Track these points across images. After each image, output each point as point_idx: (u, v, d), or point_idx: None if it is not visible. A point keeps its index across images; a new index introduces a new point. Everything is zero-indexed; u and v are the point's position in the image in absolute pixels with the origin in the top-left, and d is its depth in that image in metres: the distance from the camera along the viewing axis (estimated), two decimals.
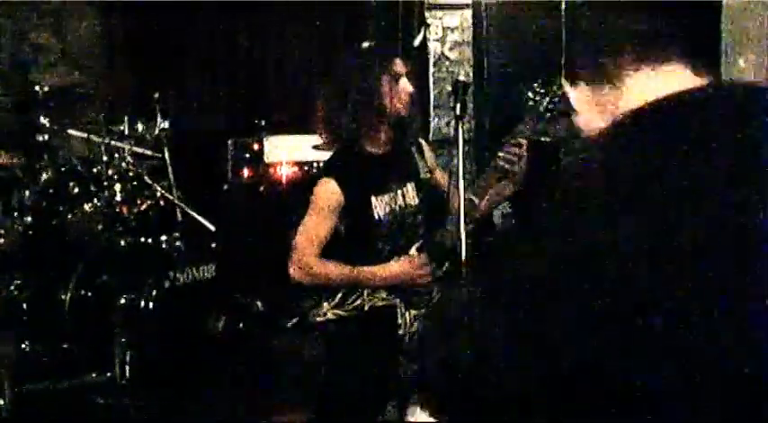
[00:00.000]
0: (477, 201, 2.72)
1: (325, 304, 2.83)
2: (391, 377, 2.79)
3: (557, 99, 2.68)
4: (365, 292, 2.82)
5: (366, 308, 2.82)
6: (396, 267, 2.81)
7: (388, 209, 2.84)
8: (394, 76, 2.81)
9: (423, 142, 3.04)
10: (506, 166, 2.69)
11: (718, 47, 1.22)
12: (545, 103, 2.68)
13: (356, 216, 2.82)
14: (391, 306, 2.83)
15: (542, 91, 2.70)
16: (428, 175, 2.95)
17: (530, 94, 2.70)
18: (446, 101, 5.38)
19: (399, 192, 2.88)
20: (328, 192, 2.79)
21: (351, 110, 2.78)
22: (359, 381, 2.79)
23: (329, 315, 2.83)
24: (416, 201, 2.90)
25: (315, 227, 2.81)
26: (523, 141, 2.70)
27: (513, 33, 5.60)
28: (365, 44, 2.98)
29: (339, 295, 2.82)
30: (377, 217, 2.82)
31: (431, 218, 2.88)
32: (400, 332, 2.82)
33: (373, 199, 2.82)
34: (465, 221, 2.58)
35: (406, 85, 2.83)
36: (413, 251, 2.85)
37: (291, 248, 2.83)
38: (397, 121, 2.84)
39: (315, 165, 4.85)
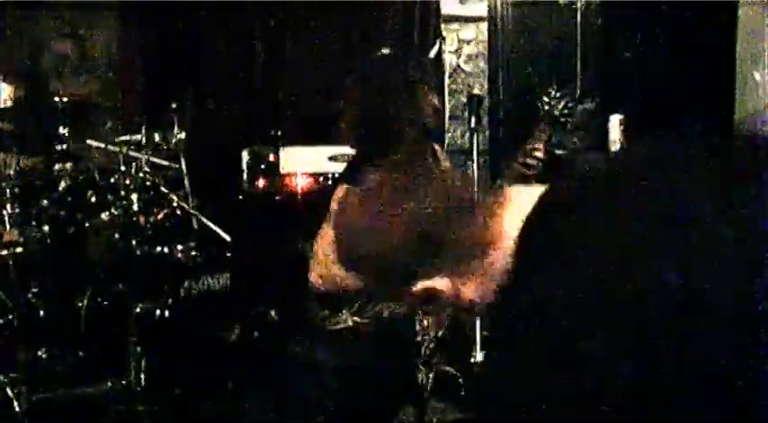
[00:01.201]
0: None
1: (345, 311, 2.85)
2: (408, 383, 2.81)
3: (571, 105, 2.72)
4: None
5: (385, 314, 2.84)
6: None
7: None
8: (427, 88, 2.85)
9: (437, 148, 3.06)
10: (526, 171, 2.72)
11: None
12: (560, 108, 2.71)
13: None
14: (410, 313, 2.85)
15: (557, 96, 2.74)
16: (442, 182, 2.95)
17: (544, 99, 2.74)
18: (461, 112, 5.40)
19: None
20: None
21: (381, 120, 2.80)
22: (377, 386, 2.81)
23: (348, 322, 2.85)
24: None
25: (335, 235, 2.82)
26: (540, 146, 2.73)
27: (529, 46, 5.62)
28: (385, 51, 3.00)
29: (358, 302, 2.84)
30: None
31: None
32: (418, 338, 2.85)
33: None
34: None
35: (435, 98, 2.87)
36: None
37: (312, 256, 2.86)
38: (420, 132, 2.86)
39: (330, 176, 4.87)
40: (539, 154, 2.73)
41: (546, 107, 2.75)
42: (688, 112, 4.64)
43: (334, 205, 2.86)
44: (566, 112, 2.72)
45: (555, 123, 2.73)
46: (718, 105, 4.42)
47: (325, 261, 2.84)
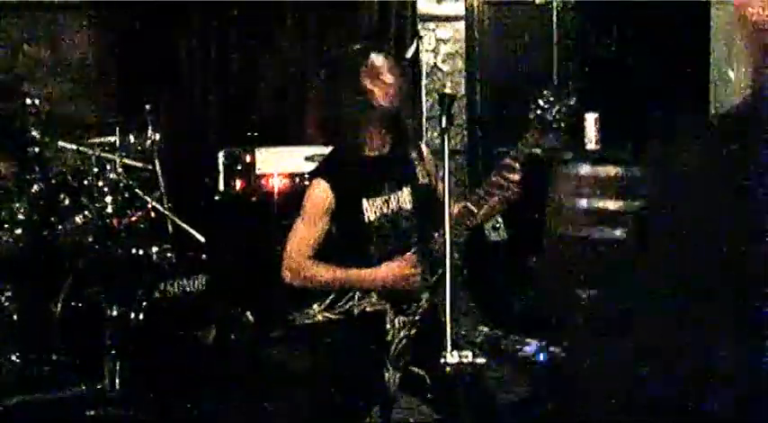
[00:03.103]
0: (474, 210, 2.73)
1: (315, 306, 2.84)
2: (377, 382, 2.80)
3: (565, 109, 2.65)
4: (356, 296, 2.83)
5: (355, 312, 2.83)
6: (387, 270, 2.81)
7: (379, 212, 2.84)
8: (373, 70, 2.83)
9: (423, 147, 3.05)
10: (498, 190, 2.70)
11: None
12: (553, 113, 2.65)
13: (347, 218, 2.83)
14: (381, 311, 2.84)
15: (551, 99, 2.66)
16: (426, 180, 2.95)
17: (540, 102, 2.65)
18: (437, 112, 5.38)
19: (393, 196, 2.88)
20: (319, 194, 2.82)
21: (342, 112, 2.81)
22: (345, 385, 2.80)
23: (318, 317, 2.83)
24: (411, 205, 2.90)
25: (306, 229, 2.83)
26: (517, 165, 2.69)
27: (506, 45, 5.63)
28: (355, 46, 2.98)
29: (329, 298, 2.83)
30: (367, 220, 2.83)
31: (425, 224, 2.88)
32: (388, 338, 2.83)
33: (364, 201, 2.83)
34: (456, 231, 2.61)
35: (387, 78, 2.84)
36: (407, 257, 2.86)
37: (284, 251, 2.85)
38: (390, 121, 2.86)
39: (306, 176, 4.85)
40: (510, 175, 2.70)
41: (538, 111, 2.70)
42: (664, 110, 4.66)
43: (307, 201, 2.87)
44: (558, 117, 2.66)
45: (547, 126, 2.67)
46: (693, 103, 4.44)
47: (296, 255, 2.84)
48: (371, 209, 2.84)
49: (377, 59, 2.83)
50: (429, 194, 2.95)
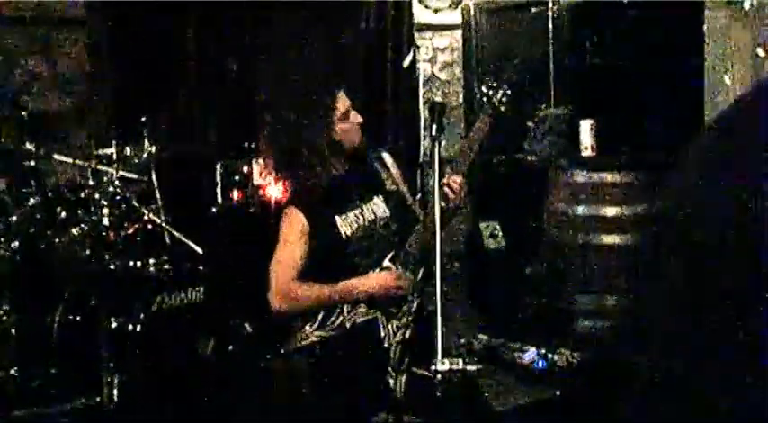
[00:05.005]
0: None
1: (307, 327, 2.86)
2: (381, 389, 2.81)
3: (510, 91, 2.78)
4: (345, 310, 2.85)
5: (348, 325, 2.85)
6: (373, 280, 2.85)
7: (355, 226, 2.90)
8: (343, 113, 2.90)
9: (385, 155, 3.10)
10: (447, 194, 2.77)
11: None
12: (499, 96, 2.78)
13: (324, 239, 2.88)
14: (372, 320, 2.86)
15: (494, 84, 2.80)
16: (394, 187, 3.00)
17: (483, 89, 2.81)
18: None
19: (366, 206, 2.95)
20: (293, 221, 2.90)
21: (307, 151, 2.87)
22: (351, 398, 2.81)
23: (312, 338, 2.85)
24: (387, 212, 2.95)
25: (288, 255, 2.88)
26: (458, 179, 2.76)
27: (503, 53, 5.63)
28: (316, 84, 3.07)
29: (320, 317, 2.85)
30: (344, 235, 2.88)
31: (401, 228, 2.93)
32: (385, 344, 2.85)
33: (337, 218, 2.90)
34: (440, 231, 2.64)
35: (354, 118, 2.92)
36: (386, 263, 2.89)
37: (270, 281, 2.89)
38: (352, 151, 2.95)
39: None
40: (455, 185, 2.79)
41: (484, 98, 2.80)
42: (659, 116, 4.65)
43: (282, 229, 2.92)
44: (504, 100, 2.79)
45: (495, 110, 2.80)
46: (689, 109, 4.43)
47: (282, 280, 2.86)
48: (345, 224, 2.91)
49: (343, 100, 2.92)
50: (400, 199, 3.00)
